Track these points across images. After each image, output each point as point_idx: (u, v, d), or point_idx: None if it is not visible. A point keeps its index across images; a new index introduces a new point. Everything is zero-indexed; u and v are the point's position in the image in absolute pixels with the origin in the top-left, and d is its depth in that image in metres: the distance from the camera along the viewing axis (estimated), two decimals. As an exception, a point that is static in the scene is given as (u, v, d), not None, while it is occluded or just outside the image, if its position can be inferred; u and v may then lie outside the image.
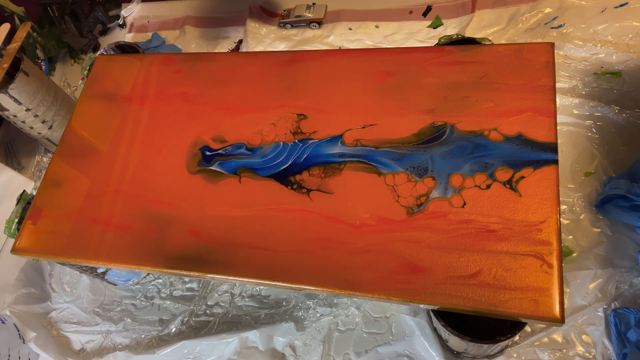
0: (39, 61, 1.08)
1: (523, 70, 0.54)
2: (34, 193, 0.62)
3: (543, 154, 0.49)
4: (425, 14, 0.95)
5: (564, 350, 0.60)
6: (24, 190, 0.64)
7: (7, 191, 0.83)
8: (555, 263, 0.44)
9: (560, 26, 0.83)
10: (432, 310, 0.53)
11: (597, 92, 0.76)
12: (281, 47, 0.96)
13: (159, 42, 1.08)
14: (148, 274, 0.78)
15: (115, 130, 0.64)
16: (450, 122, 0.53)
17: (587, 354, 0.60)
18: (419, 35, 0.93)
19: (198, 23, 1.10)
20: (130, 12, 1.17)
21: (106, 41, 1.15)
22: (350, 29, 0.98)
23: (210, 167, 0.58)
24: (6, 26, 0.81)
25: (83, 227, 0.58)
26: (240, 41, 1.03)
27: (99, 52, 0.74)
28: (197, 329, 0.72)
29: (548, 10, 0.86)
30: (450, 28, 0.92)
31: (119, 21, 1.16)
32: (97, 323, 0.76)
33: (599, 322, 0.61)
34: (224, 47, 1.04)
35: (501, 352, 0.61)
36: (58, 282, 0.82)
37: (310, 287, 0.49)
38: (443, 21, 0.93)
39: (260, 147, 0.58)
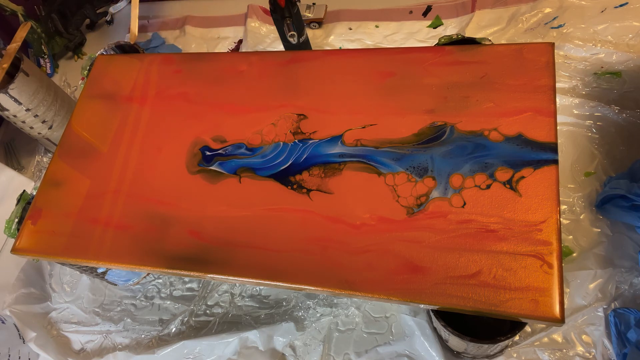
0: (45, 56, 1.08)
1: (523, 70, 0.54)
2: (34, 193, 0.62)
3: (543, 154, 0.49)
4: (425, 14, 0.95)
5: (564, 350, 0.60)
6: (24, 190, 0.64)
7: (7, 191, 0.83)
8: (555, 263, 0.44)
9: (560, 26, 0.83)
10: (432, 310, 0.53)
11: (597, 92, 0.76)
12: (281, 47, 0.96)
13: (159, 42, 1.08)
14: (148, 274, 0.78)
15: (115, 130, 0.64)
16: (450, 122, 0.53)
17: (587, 354, 0.60)
18: (419, 35, 0.93)
19: (198, 23, 1.10)
20: (118, 9, 1.18)
21: (93, 37, 1.16)
22: (350, 29, 0.98)
23: (210, 167, 0.58)
24: (26, 25, 0.81)
25: (83, 227, 0.58)
26: (240, 41, 1.03)
27: (99, 52, 0.74)
28: (197, 329, 0.72)
29: (548, 10, 0.86)
30: (450, 28, 0.92)
31: (106, 18, 1.16)
32: (97, 323, 0.76)
33: (599, 322, 0.61)
34: (224, 47, 1.04)
35: (501, 352, 0.61)
36: (58, 282, 0.82)
37: (310, 287, 0.49)
38: (443, 21, 0.93)
39: (260, 147, 0.58)
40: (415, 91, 0.56)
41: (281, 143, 0.57)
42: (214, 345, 0.69)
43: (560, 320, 0.42)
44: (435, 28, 0.93)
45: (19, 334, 0.76)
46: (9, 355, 0.75)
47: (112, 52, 0.75)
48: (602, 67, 0.78)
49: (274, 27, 1.01)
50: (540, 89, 0.52)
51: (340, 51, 0.65)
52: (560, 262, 0.44)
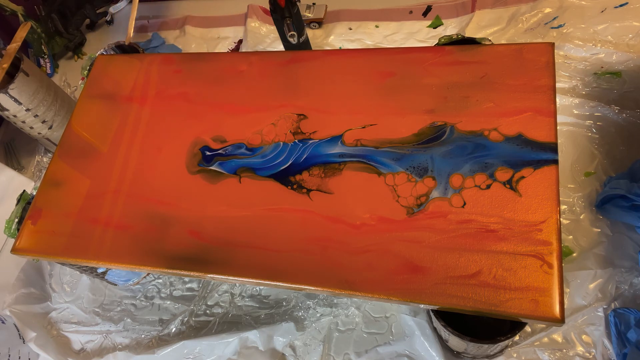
0: (45, 56, 1.08)
1: (523, 70, 0.54)
2: (34, 193, 0.62)
3: (543, 154, 0.49)
4: (425, 14, 0.95)
5: (564, 350, 0.60)
6: (24, 190, 0.64)
7: (7, 191, 0.83)
8: (555, 263, 0.44)
9: (560, 26, 0.83)
10: (432, 310, 0.53)
11: (597, 92, 0.76)
12: (281, 47, 0.96)
13: (159, 42, 1.08)
14: (148, 274, 0.78)
15: (115, 130, 0.64)
16: (450, 122, 0.53)
17: (587, 354, 0.60)
18: (419, 35, 0.93)
19: (198, 23, 1.10)
20: (118, 9, 1.18)
21: (93, 37, 1.16)
22: (350, 29, 0.98)
23: (210, 167, 0.58)
24: (26, 25, 0.81)
25: (83, 227, 0.58)
26: (240, 41, 1.03)
27: (99, 52, 0.74)
28: (197, 329, 0.72)
29: (548, 10, 0.86)
30: (450, 28, 0.92)
31: (106, 18, 1.16)
32: (97, 323, 0.76)
33: (599, 322, 0.61)
34: (224, 47, 1.04)
35: (501, 352, 0.61)
36: (58, 282, 0.82)
37: (310, 287, 0.49)
38: (443, 21, 0.93)
39: (260, 147, 0.58)
40: (415, 91, 0.56)
41: (281, 143, 0.57)
42: (214, 345, 0.69)
43: (560, 320, 0.42)
44: (435, 28, 0.93)
45: (19, 334, 0.76)
46: (9, 355, 0.75)
47: (112, 52, 0.75)
48: (602, 67, 0.78)
49: (274, 27, 1.01)
50: (540, 89, 0.52)
51: (340, 51, 0.65)
52: (560, 262, 0.44)
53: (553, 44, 0.54)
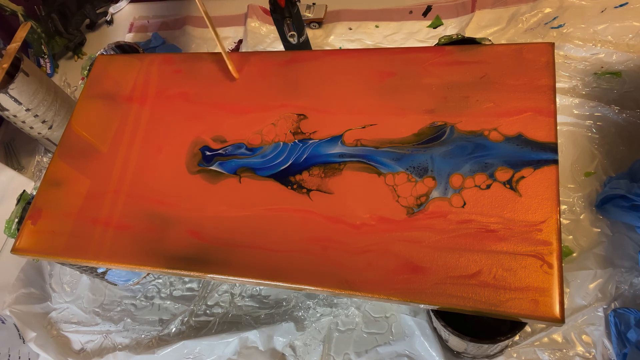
0: (45, 56, 1.08)
1: (523, 70, 0.54)
2: (34, 193, 0.62)
3: (543, 154, 0.49)
4: (425, 14, 0.95)
5: (564, 350, 0.60)
6: (24, 190, 0.64)
7: (7, 191, 0.83)
8: (555, 263, 0.44)
9: (560, 26, 0.83)
10: (432, 310, 0.53)
11: (597, 92, 0.76)
12: (281, 47, 0.96)
13: (159, 42, 1.08)
14: (148, 274, 0.78)
15: (115, 130, 0.64)
16: (450, 122, 0.53)
17: (587, 354, 0.60)
18: (419, 35, 0.93)
19: (198, 23, 1.10)
20: (118, 9, 1.18)
21: (93, 37, 1.16)
22: (350, 29, 0.98)
23: (210, 167, 0.58)
24: (26, 25, 0.81)
25: (83, 227, 0.58)
26: (240, 41, 1.03)
27: (99, 52, 0.74)
28: (197, 329, 0.72)
29: (548, 10, 0.86)
30: (450, 28, 0.92)
31: (106, 18, 1.16)
32: (97, 323, 0.76)
33: (599, 322, 0.61)
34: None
35: (501, 352, 0.61)
36: (58, 282, 0.82)
37: (310, 287, 0.49)
38: (443, 21, 0.93)
39: (260, 147, 0.58)
40: (415, 91, 0.56)
41: (281, 143, 0.57)
42: (214, 345, 0.69)
43: (560, 320, 0.42)
44: (435, 28, 0.93)
45: (19, 334, 0.76)
46: (9, 355, 0.75)
47: (112, 52, 0.75)
48: (602, 67, 0.78)
49: (274, 27, 1.01)
50: (540, 89, 0.52)
51: (340, 51, 0.65)
52: (560, 262, 0.44)
53: (553, 44, 0.54)
